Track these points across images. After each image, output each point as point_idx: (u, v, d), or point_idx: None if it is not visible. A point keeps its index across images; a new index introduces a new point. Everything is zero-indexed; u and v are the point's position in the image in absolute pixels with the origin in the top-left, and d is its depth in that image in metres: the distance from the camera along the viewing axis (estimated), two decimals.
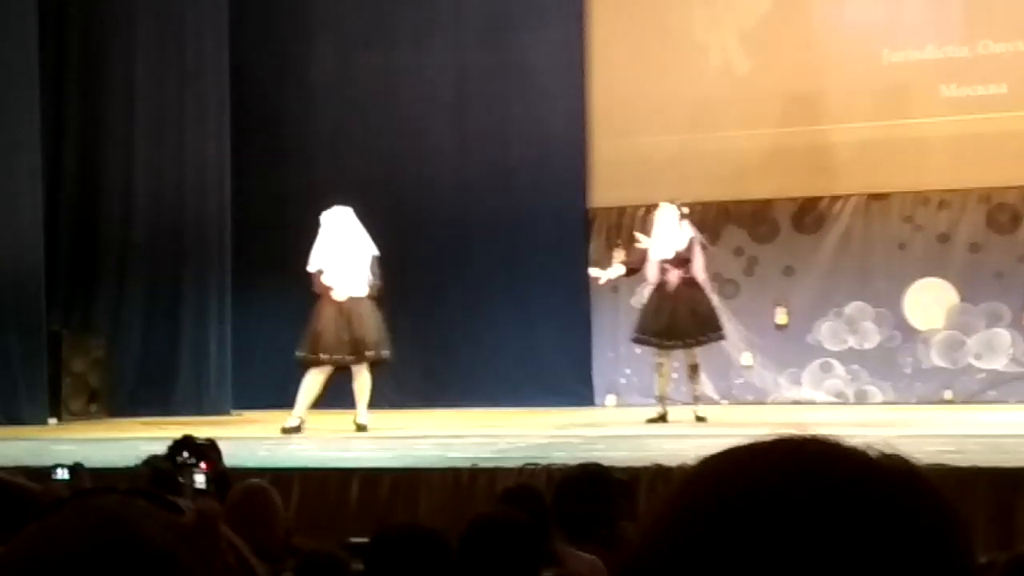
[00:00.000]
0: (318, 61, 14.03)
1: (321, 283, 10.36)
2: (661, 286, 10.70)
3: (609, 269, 11.20)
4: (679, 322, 10.66)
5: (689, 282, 10.70)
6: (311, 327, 10.36)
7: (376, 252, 10.47)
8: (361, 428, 10.27)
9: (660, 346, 10.80)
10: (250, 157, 13.65)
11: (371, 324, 10.35)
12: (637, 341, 11.05)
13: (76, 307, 13.29)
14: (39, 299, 12.21)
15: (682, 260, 10.66)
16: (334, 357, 10.26)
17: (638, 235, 11.03)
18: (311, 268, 10.44)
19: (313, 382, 10.30)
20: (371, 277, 10.38)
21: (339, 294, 10.28)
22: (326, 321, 10.26)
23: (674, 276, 10.64)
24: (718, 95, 12.94)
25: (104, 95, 13.34)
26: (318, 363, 10.31)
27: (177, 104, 13.28)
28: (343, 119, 13.87)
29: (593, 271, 11.34)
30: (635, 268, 11.10)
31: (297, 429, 10.15)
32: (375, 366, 10.49)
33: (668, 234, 10.73)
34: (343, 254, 10.38)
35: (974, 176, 12.38)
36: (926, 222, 12.60)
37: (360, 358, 10.33)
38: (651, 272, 10.77)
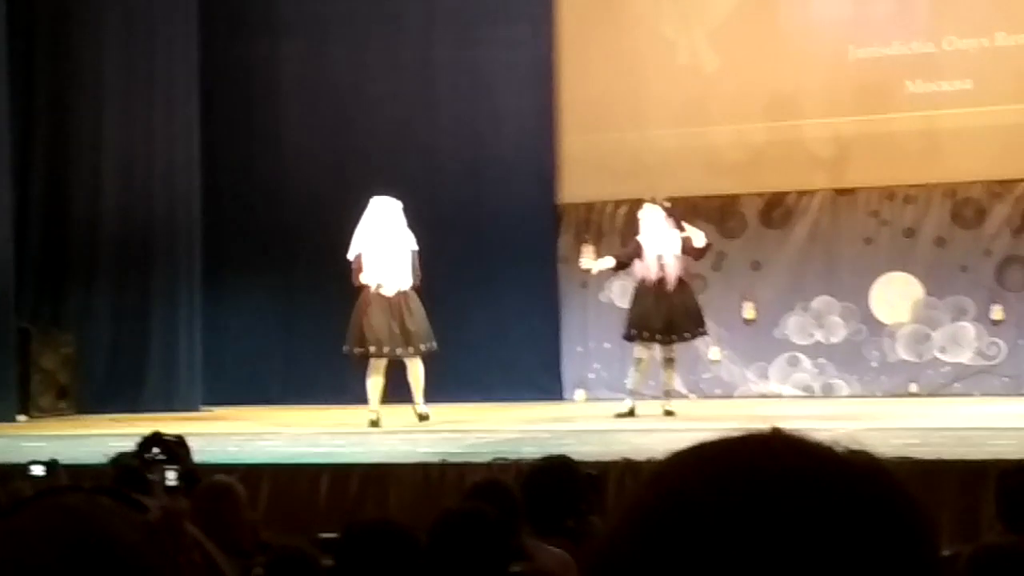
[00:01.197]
0: (287, 57, 13.97)
1: (363, 278, 10.26)
2: (658, 283, 10.67)
3: (599, 260, 11.10)
4: (675, 318, 10.68)
5: (680, 279, 10.76)
6: (358, 321, 10.27)
7: (415, 247, 10.44)
8: (423, 418, 10.25)
9: (659, 343, 10.75)
10: (220, 153, 13.60)
11: (420, 317, 10.34)
12: (633, 338, 10.85)
13: (45, 303, 13.19)
14: (8, 295, 12.13)
15: (683, 256, 10.72)
16: (384, 350, 10.23)
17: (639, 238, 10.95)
18: (351, 255, 10.36)
19: (376, 376, 10.30)
20: (413, 271, 10.35)
21: (388, 290, 10.25)
22: (375, 314, 10.21)
23: (674, 273, 10.67)
24: (686, 92, 12.97)
25: (73, 91, 13.25)
26: (368, 356, 10.27)
27: (146, 100, 13.21)
28: (312, 115, 13.82)
29: (584, 262, 11.19)
30: (625, 263, 11.09)
31: (375, 423, 10.13)
32: (423, 359, 10.48)
33: (659, 232, 10.74)
34: (388, 247, 10.32)
35: (940, 171, 12.44)
36: (892, 217, 12.66)
37: (415, 351, 10.31)
38: (651, 270, 10.73)
